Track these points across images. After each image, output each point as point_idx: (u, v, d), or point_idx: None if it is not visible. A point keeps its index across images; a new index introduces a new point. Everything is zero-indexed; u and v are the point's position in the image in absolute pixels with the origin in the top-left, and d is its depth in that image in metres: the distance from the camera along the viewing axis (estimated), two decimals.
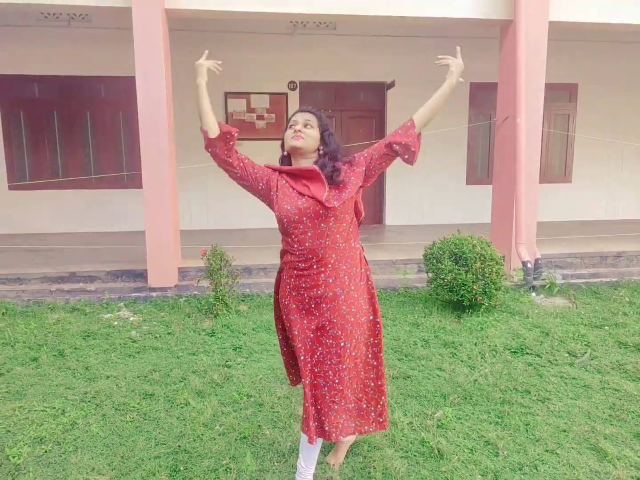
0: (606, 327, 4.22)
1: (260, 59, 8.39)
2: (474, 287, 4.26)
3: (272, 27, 8.18)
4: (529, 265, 5.39)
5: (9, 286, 5.26)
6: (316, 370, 2.09)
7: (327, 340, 2.07)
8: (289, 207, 2.04)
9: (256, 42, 8.30)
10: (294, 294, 2.14)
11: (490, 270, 4.30)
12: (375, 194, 9.11)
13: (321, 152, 2.13)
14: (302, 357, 2.09)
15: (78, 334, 4.06)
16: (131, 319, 4.53)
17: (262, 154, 7.82)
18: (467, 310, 4.46)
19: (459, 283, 4.29)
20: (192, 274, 5.43)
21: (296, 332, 2.10)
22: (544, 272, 5.62)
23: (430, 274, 4.58)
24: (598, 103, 9.21)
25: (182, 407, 2.93)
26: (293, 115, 2.19)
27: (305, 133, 2.09)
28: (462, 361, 3.58)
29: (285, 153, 2.20)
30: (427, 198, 9.06)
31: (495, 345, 3.81)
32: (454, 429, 2.68)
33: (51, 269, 5.45)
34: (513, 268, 5.60)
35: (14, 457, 2.40)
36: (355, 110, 8.95)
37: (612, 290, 5.32)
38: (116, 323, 4.39)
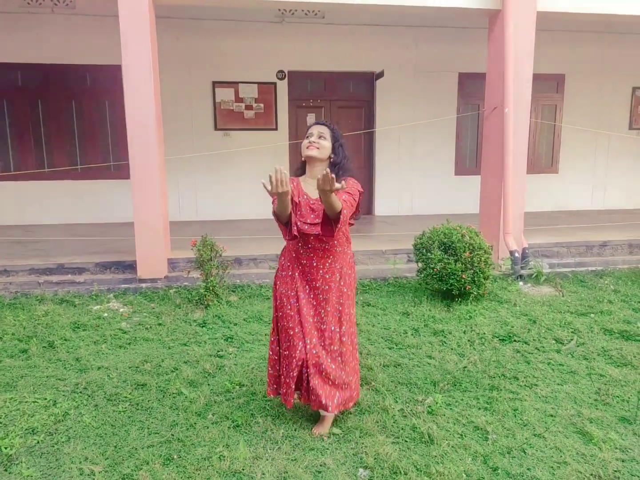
0: (592, 315, 4.30)
1: (249, 47, 8.32)
2: (463, 276, 4.31)
3: (261, 15, 8.10)
4: (516, 254, 5.46)
5: None
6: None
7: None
8: (303, 224, 2.41)
9: (244, 30, 8.23)
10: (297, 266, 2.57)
11: (479, 259, 4.34)
12: (365, 184, 9.12)
13: (332, 160, 2.48)
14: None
15: (68, 325, 4.04)
16: (121, 310, 4.51)
17: (250, 144, 7.92)
18: (457, 299, 4.51)
19: (449, 272, 4.33)
20: (182, 265, 5.42)
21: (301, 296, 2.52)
22: (532, 261, 5.69)
23: (420, 264, 4.62)
24: (585, 94, 9.30)
25: (174, 397, 2.94)
26: (310, 127, 2.53)
27: (319, 144, 2.44)
28: (452, 349, 3.63)
29: (302, 159, 2.55)
30: (417, 189, 9.10)
31: (484, 333, 3.86)
32: (444, 415, 2.72)
33: (39, 260, 5.40)
34: (501, 257, 5.67)
35: (5, 448, 2.39)
36: (344, 100, 8.94)
37: (597, 279, 5.40)
38: (106, 314, 4.38)
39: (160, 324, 4.11)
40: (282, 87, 8.60)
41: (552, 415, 2.72)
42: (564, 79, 9.25)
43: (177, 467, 2.31)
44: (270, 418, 2.70)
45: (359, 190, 2.46)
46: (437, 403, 2.83)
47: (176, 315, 4.33)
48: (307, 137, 2.48)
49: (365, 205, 9.18)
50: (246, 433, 2.58)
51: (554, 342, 3.72)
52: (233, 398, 2.92)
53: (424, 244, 4.53)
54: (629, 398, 2.89)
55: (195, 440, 2.49)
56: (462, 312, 4.29)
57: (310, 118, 8.87)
